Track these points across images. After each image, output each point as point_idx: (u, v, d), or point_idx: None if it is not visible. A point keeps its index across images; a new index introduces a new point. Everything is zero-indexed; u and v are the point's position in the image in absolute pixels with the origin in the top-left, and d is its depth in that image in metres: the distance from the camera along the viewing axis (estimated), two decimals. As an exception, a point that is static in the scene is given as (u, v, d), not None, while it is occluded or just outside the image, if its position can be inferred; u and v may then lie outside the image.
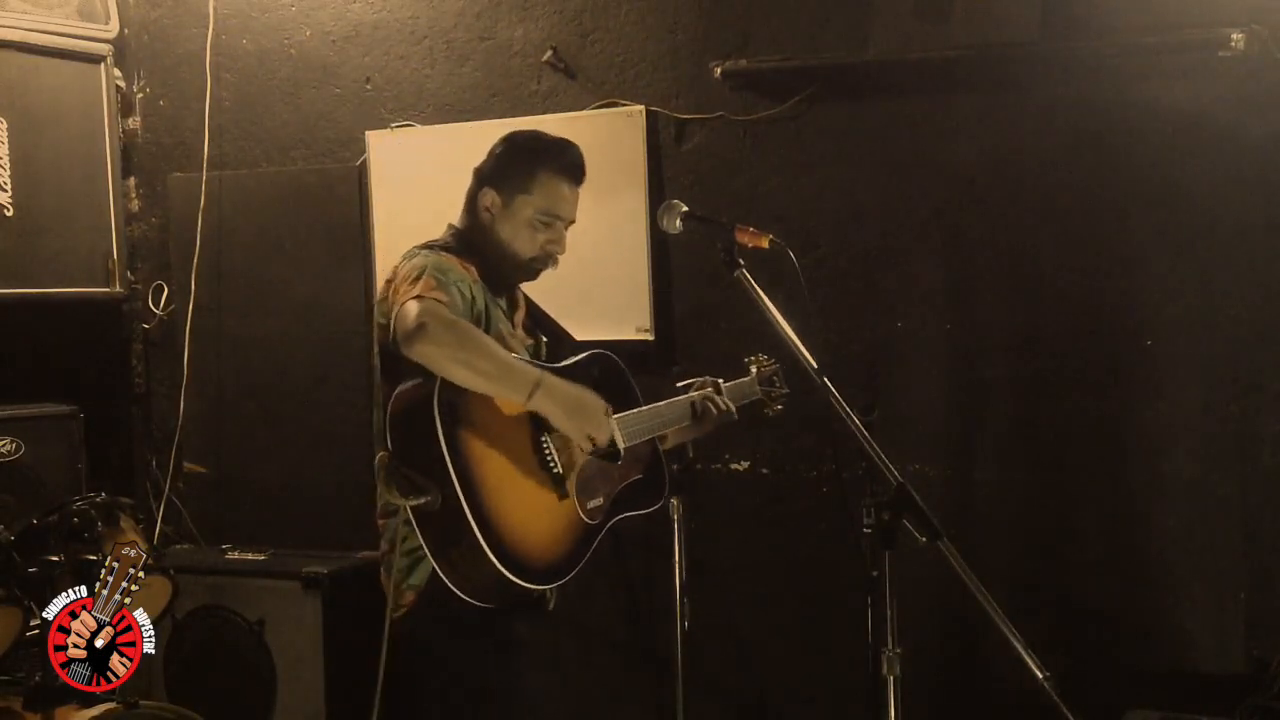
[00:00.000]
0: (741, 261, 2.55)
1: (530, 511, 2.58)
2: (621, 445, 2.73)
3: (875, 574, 2.34)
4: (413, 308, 2.54)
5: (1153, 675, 3.59)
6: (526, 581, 2.49)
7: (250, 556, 4.29)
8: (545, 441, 2.63)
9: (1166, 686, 3.54)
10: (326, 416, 4.55)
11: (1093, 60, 3.58)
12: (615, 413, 2.73)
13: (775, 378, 3.32)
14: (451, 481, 2.43)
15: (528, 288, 2.98)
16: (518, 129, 2.98)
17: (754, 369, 3.28)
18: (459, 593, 2.49)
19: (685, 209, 2.69)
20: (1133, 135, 3.58)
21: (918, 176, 3.82)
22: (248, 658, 4.07)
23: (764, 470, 4.00)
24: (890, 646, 2.34)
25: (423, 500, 2.46)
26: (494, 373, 2.52)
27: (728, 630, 3.97)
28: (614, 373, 2.96)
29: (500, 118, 4.18)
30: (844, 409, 2.39)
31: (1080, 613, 3.67)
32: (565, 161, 2.86)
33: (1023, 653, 2.17)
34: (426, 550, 2.51)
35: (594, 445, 2.66)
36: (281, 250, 4.60)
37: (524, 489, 2.58)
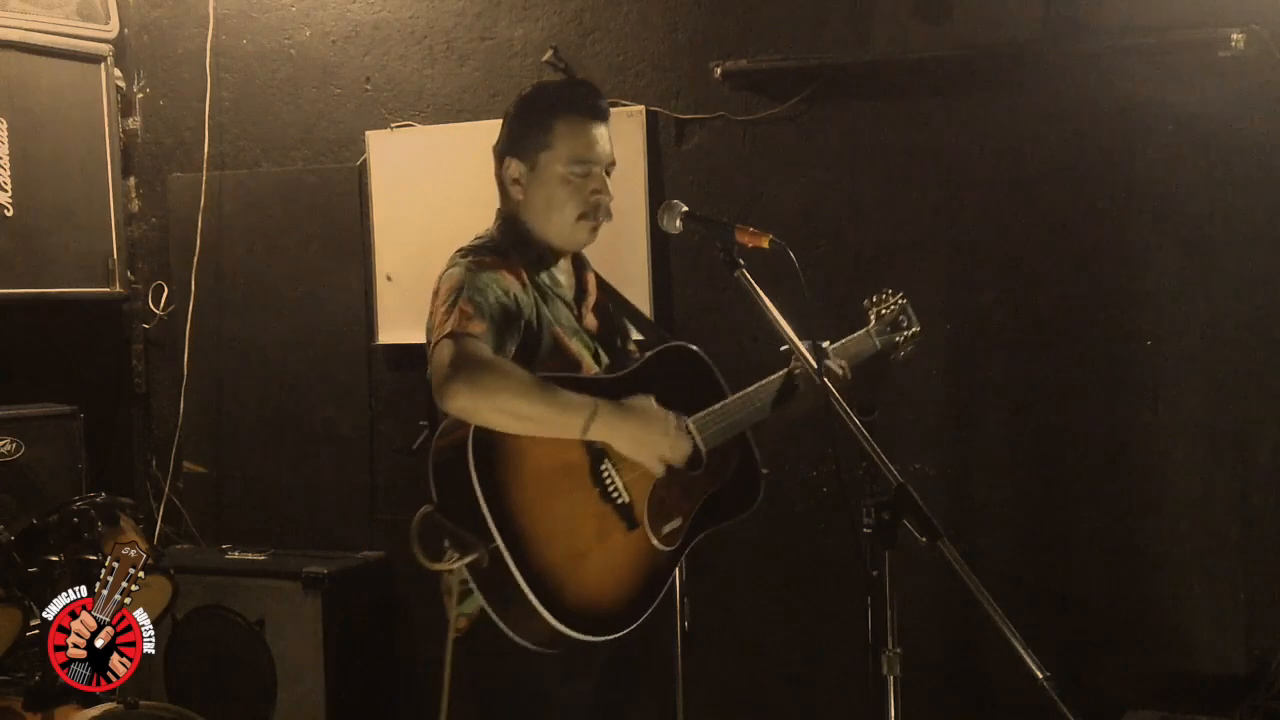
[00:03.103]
0: (741, 261, 2.53)
1: (592, 554, 2.41)
2: (704, 449, 2.58)
3: (875, 574, 2.33)
4: (445, 352, 2.36)
5: (1153, 675, 3.59)
6: (594, 635, 2.36)
7: (250, 556, 4.29)
8: (605, 469, 2.46)
9: (1166, 686, 3.54)
10: (326, 416, 4.54)
11: (1093, 60, 3.58)
12: (695, 413, 2.57)
13: (903, 317, 3.02)
14: (494, 538, 2.28)
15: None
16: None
17: (873, 315, 3.01)
18: (528, 645, 2.36)
19: (685, 209, 2.67)
20: (1133, 135, 3.58)
21: (918, 176, 3.82)
22: (248, 658, 4.07)
23: (764, 470, 3.99)
24: (890, 646, 2.33)
25: (470, 558, 2.30)
26: (539, 415, 2.35)
27: (728, 630, 3.97)
28: (691, 366, 2.73)
29: (500, 118, 4.16)
30: (844, 409, 2.39)
31: (1080, 613, 3.67)
32: (581, 100, 2.68)
33: (1023, 652, 2.16)
34: (489, 610, 2.36)
35: (670, 466, 2.48)
36: (281, 250, 4.59)
37: (582, 529, 2.41)
